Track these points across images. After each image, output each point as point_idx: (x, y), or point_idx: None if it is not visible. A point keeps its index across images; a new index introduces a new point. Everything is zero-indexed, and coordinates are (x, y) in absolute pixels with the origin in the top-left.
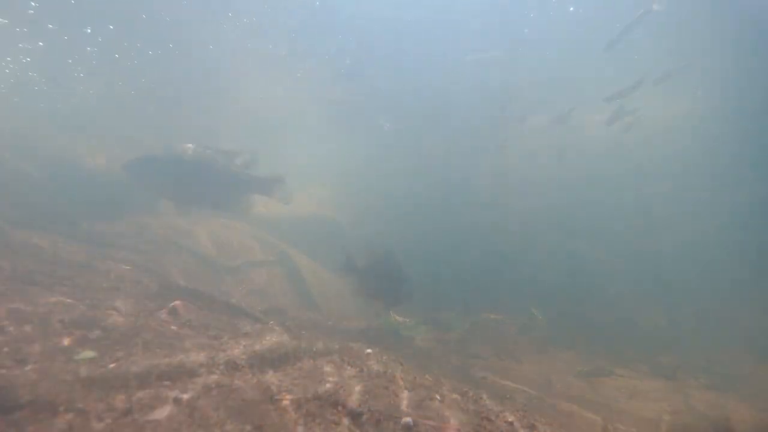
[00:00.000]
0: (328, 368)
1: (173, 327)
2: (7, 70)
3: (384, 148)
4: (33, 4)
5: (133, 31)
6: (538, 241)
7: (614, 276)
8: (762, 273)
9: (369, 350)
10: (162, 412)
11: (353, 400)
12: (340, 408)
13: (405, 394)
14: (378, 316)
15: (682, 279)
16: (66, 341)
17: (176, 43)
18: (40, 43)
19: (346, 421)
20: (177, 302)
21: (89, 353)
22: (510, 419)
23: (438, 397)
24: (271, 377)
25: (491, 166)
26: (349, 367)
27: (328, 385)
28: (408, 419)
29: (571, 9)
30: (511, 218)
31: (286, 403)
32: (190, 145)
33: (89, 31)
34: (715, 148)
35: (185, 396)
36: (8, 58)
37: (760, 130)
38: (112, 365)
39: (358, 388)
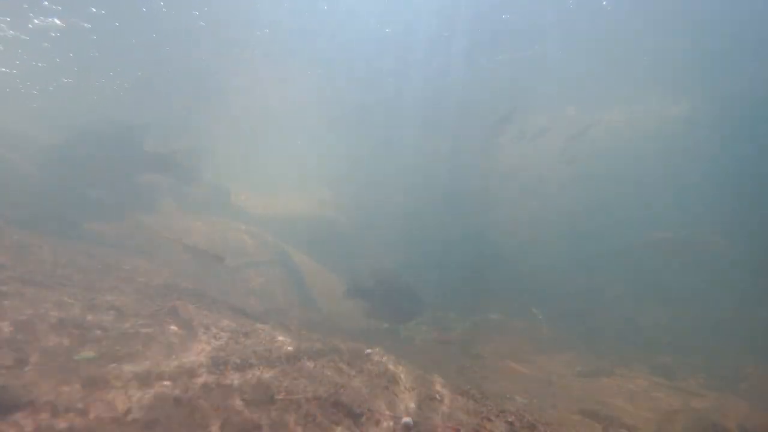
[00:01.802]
0: (328, 368)
1: (173, 327)
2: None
3: (384, 151)
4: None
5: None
6: (538, 241)
7: (615, 276)
8: (762, 274)
9: (369, 350)
10: (162, 412)
11: (353, 400)
12: (340, 408)
13: (405, 394)
14: (390, 333)
15: (682, 279)
16: (66, 341)
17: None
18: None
19: (346, 421)
20: (177, 302)
21: (89, 353)
22: (510, 419)
23: (438, 397)
24: (271, 377)
25: (491, 168)
26: (349, 368)
27: (328, 385)
28: (408, 419)
29: (605, 2)
30: (511, 220)
31: (286, 403)
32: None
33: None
34: (714, 148)
35: (185, 396)
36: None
37: (758, 131)
38: (112, 365)
39: (358, 388)
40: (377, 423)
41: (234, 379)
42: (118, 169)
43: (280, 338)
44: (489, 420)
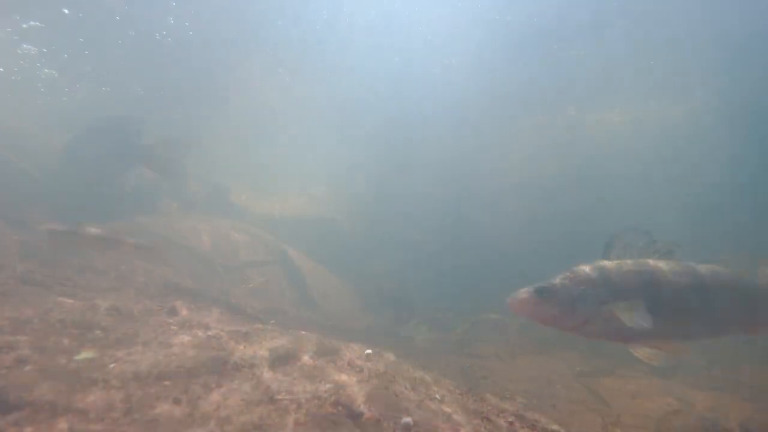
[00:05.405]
0: (328, 368)
1: (173, 327)
2: (16, 69)
3: (381, 149)
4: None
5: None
6: (538, 240)
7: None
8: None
9: (369, 350)
10: (162, 412)
11: (353, 400)
12: (340, 408)
13: (405, 394)
14: (390, 333)
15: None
16: (66, 341)
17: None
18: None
19: (346, 421)
20: (177, 302)
21: (89, 353)
22: (510, 419)
23: (438, 397)
24: (271, 377)
25: (491, 166)
26: (349, 367)
27: (328, 386)
28: (408, 419)
29: None
30: (511, 218)
31: (286, 403)
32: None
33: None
34: (715, 147)
35: (185, 396)
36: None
37: (760, 129)
38: (112, 365)
39: (358, 388)
40: (377, 423)
41: (234, 379)
42: (116, 166)
43: (280, 338)
44: (489, 420)
